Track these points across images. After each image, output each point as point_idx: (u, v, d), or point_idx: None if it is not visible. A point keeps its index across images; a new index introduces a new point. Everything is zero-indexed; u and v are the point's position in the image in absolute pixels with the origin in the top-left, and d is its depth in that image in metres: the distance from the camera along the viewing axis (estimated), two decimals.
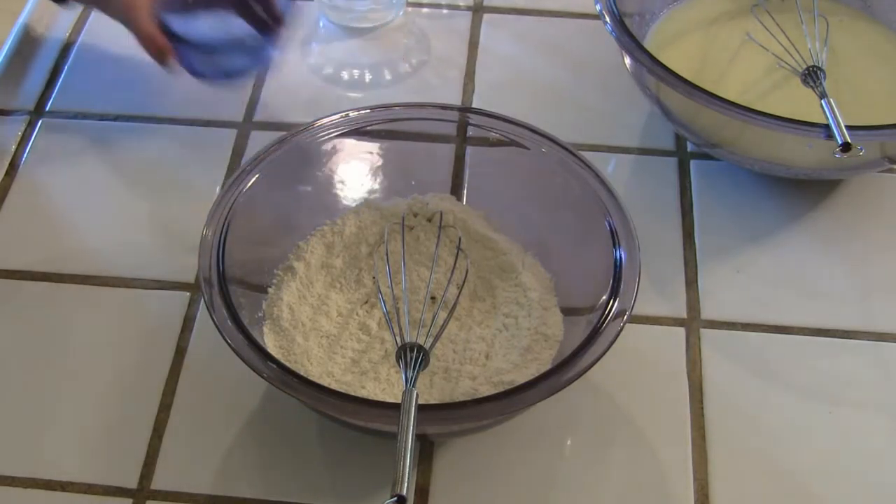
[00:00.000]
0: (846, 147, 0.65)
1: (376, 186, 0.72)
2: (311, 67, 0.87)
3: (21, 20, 0.91)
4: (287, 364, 0.59)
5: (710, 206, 0.76)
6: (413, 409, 0.53)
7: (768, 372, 0.67)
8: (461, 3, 0.93)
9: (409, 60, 0.88)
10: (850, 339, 0.69)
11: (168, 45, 0.76)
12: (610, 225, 0.63)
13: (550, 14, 0.92)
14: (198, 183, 0.78)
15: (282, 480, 0.62)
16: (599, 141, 0.81)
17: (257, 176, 0.66)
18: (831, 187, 0.78)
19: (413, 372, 0.57)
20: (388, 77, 0.87)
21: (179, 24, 0.78)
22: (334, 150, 0.70)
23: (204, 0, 0.80)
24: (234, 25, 0.79)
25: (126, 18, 0.77)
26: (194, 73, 0.78)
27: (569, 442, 0.64)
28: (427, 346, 0.59)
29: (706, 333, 0.69)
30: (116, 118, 0.82)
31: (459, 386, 0.61)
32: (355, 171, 0.72)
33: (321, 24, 0.91)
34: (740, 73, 0.79)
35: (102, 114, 0.83)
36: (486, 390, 0.60)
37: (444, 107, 0.72)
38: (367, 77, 0.87)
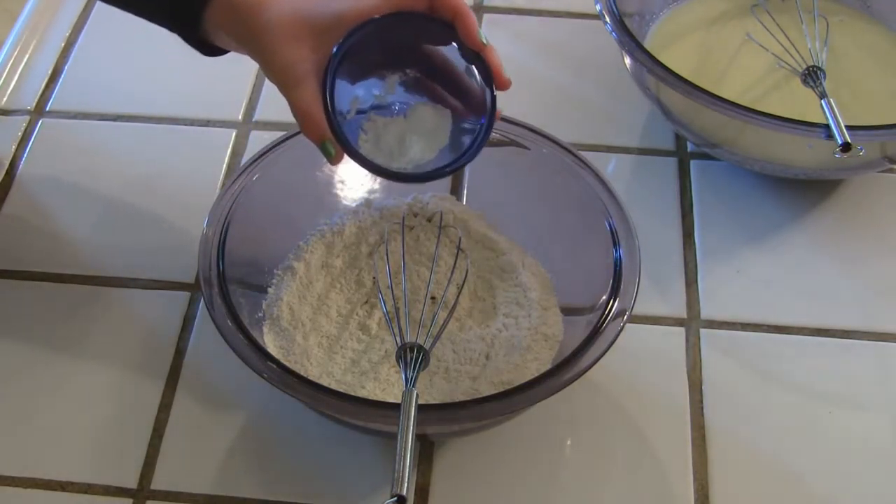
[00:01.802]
0: (846, 147, 0.65)
1: (376, 186, 0.72)
2: None
3: (21, 20, 0.91)
4: (287, 364, 0.59)
5: (710, 206, 0.76)
6: (413, 409, 0.53)
7: (768, 372, 0.67)
8: None
9: None
10: (850, 339, 0.69)
11: (327, 130, 0.57)
12: (610, 225, 0.63)
13: (550, 14, 0.92)
14: (198, 183, 0.77)
15: (282, 480, 0.62)
16: (599, 141, 0.81)
17: (257, 176, 0.66)
18: (831, 187, 0.78)
19: (413, 372, 0.57)
20: None
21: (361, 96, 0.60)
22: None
23: (395, 62, 0.60)
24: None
25: (281, 84, 0.59)
26: (371, 167, 0.58)
27: (569, 442, 0.64)
28: (427, 346, 0.59)
29: (706, 333, 0.69)
30: (116, 118, 0.82)
31: (459, 386, 0.61)
32: (355, 171, 0.72)
33: None
34: (740, 73, 0.79)
35: (102, 114, 0.83)
36: (486, 390, 0.60)
37: None
38: None
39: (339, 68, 0.57)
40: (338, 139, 0.57)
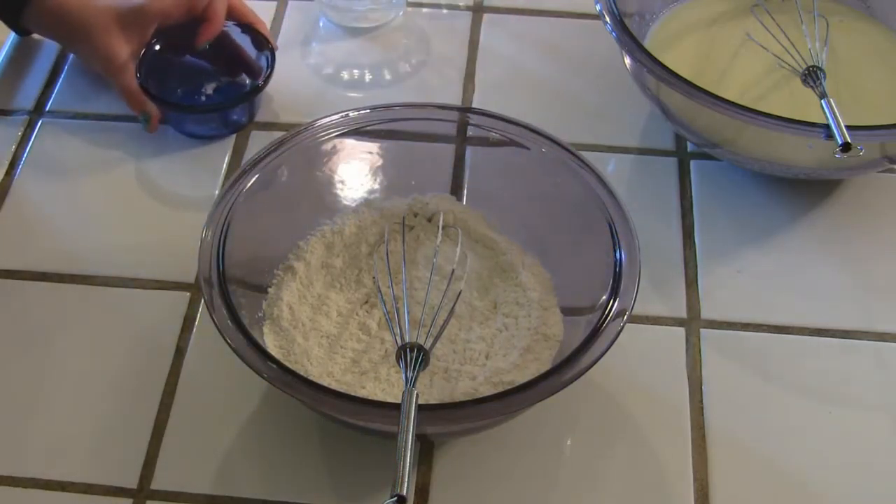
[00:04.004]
0: (846, 147, 0.65)
1: (376, 186, 0.72)
2: (311, 67, 0.87)
3: None
4: (287, 364, 0.59)
5: (710, 206, 0.76)
6: (413, 409, 0.53)
7: (768, 372, 0.67)
8: (461, 3, 0.93)
9: (409, 60, 0.88)
10: (850, 339, 0.69)
11: (153, 106, 0.78)
12: (610, 225, 0.63)
13: (550, 14, 0.92)
14: (198, 183, 0.78)
15: (282, 480, 0.62)
16: (599, 141, 0.81)
17: (257, 176, 0.66)
18: (831, 187, 0.78)
19: (413, 372, 0.57)
20: (388, 77, 0.87)
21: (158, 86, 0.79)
22: (334, 150, 0.70)
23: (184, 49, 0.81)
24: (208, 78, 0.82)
25: (108, 71, 0.78)
26: (187, 132, 0.81)
27: (569, 442, 0.64)
28: (427, 346, 0.59)
29: (706, 333, 0.69)
30: (116, 118, 0.82)
31: (459, 386, 0.61)
32: (355, 171, 0.72)
33: (321, 24, 0.91)
34: (740, 73, 0.79)
35: (102, 114, 0.83)
36: (486, 390, 0.60)
37: (444, 107, 0.72)
38: (367, 77, 0.87)
39: (153, 60, 0.79)
40: (154, 100, 0.78)
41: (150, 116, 0.78)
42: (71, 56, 0.87)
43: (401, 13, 0.91)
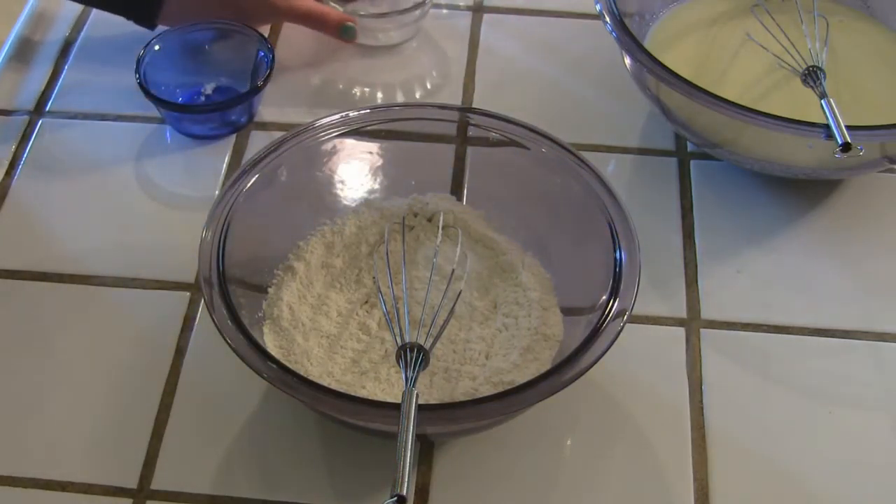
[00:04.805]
0: (846, 147, 0.65)
1: (376, 186, 0.72)
2: (311, 67, 0.87)
3: (21, 20, 0.91)
4: (287, 364, 0.59)
5: (710, 206, 0.76)
6: (413, 409, 0.53)
7: (768, 372, 0.67)
8: (461, 3, 0.93)
9: (408, 60, 0.88)
10: (850, 339, 0.69)
11: (346, 15, 0.85)
12: (610, 225, 0.63)
13: (550, 14, 0.92)
14: (198, 183, 0.78)
15: (282, 480, 0.62)
16: (599, 141, 0.81)
17: (257, 176, 0.66)
18: (831, 187, 0.78)
19: (413, 372, 0.57)
20: (387, 77, 0.87)
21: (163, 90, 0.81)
22: (334, 150, 0.70)
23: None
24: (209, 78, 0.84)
25: (279, 12, 0.84)
26: (186, 132, 0.81)
27: (569, 442, 0.64)
28: (427, 346, 0.59)
29: (706, 333, 0.69)
30: (116, 118, 0.83)
31: (459, 386, 0.61)
32: (355, 171, 0.72)
33: None
34: (740, 73, 0.79)
35: (102, 114, 0.83)
36: (486, 390, 0.60)
37: (444, 107, 0.72)
38: (367, 77, 0.87)
39: (153, 60, 0.81)
40: None
41: (352, 28, 0.84)
42: (71, 56, 0.87)
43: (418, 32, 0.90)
